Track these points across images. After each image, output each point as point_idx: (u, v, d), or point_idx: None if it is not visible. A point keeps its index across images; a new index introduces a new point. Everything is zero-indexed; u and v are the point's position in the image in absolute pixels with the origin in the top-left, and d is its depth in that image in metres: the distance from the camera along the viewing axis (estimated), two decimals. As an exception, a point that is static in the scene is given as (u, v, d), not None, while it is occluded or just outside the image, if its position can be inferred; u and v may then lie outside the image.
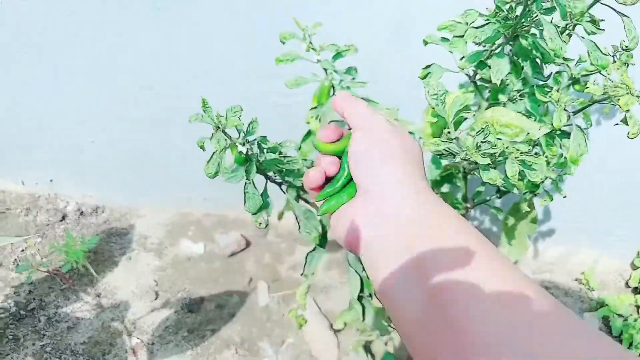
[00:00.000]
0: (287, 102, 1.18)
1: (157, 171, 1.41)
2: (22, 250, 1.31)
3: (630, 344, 1.23)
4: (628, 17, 0.61)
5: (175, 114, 1.27)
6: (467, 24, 0.70)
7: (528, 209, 1.00)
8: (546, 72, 0.74)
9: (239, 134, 0.58)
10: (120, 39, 1.16)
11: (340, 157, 0.48)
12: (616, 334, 1.26)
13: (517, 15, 0.67)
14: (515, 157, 0.60)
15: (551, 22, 0.64)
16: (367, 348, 1.19)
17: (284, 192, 0.74)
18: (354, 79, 0.78)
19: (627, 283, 1.41)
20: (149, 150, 1.36)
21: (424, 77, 0.74)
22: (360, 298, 0.87)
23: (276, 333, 1.24)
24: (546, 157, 0.71)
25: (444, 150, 0.63)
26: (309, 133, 0.84)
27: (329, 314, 1.30)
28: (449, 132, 0.62)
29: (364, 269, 0.83)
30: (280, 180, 0.72)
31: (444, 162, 0.95)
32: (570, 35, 0.70)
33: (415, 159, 0.45)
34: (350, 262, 0.84)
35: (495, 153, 0.61)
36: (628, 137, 0.62)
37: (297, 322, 0.86)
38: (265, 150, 0.63)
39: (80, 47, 1.17)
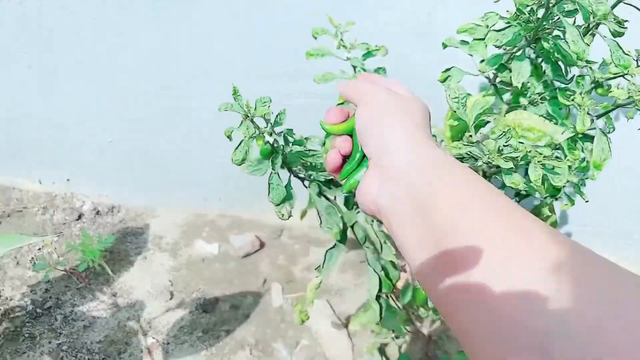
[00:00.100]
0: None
1: (172, 171, 1.42)
2: (39, 249, 1.32)
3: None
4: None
5: (192, 114, 1.28)
6: (487, 26, 0.70)
7: (549, 213, 0.99)
8: (568, 75, 0.74)
9: (267, 124, 0.58)
10: (140, 37, 1.16)
11: (351, 136, 0.50)
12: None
13: (538, 18, 0.66)
14: (538, 161, 0.59)
15: (573, 23, 0.64)
16: (382, 350, 1.18)
17: (306, 187, 0.74)
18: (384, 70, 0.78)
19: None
20: (164, 151, 1.37)
21: (444, 80, 0.73)
22: (378, 298, 0.87)
23: (290, 334, 1.23)
24: (568, 161, 0.70)
25: (466, 153, 0.62)
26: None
27: (343, 316, 1.29)
28: (470, 136, 0.61)
29: (382, 269, 0.83)
30: (303, 176, 0.72)
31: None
32: (593, 36, 0.70)
33: (417, 118, 0.46)
34: (369, 261, 0.84)
35: (517, 157, 0.60)
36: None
37: (300, 316, 0.85)
38: (290, 143, 0.63)
39: (95, 46, 1.18)
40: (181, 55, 1.19)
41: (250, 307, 1.28)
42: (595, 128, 0.67)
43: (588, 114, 0.65)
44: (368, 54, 0.82)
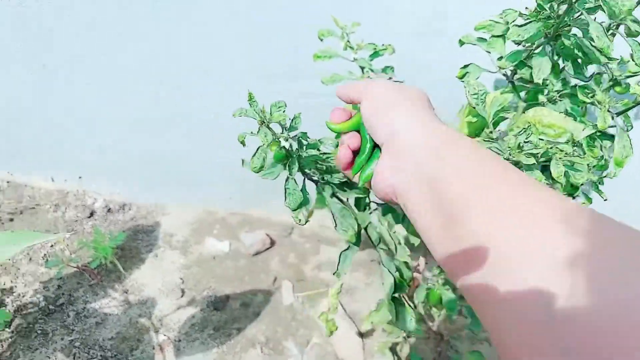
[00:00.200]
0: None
1: (183, 169, 1.42)
2: (52, 246, 1.32)
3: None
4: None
5: (202, 113, 1.28)
6: (507, 23, 0.69)
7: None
8: (585, 73, 0.73)
9: (282, 129, 0.58)
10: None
11: (358, 132, 0.52)
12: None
13: (559, 15, 0.66)
14: (560, 158, 0.59)
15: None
16: (394, 350, 1.18)
17: (321, 190, 0.73)
18: (390, 78, 0.78)
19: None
20: (175, 149, 1.37)
21: (462, 77, 0.73)
22: (393, 298, 0.86)
23: (301, 333, 1.23)
24: (588, 158, 0.70)
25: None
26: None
27: (354, 315, 1.29)
28: (490, 132, 0.61)
29: (397, 269, 0.83)
30: (317, 178, 0.72)
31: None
32: (613, 35, 0.69)
33: (419, 101, 0.48)
34: (383, 262, 0.84)
35: (537, 153, 0.60)
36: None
37: (328, 327, 0.85)
38: (305, 147, 0.63)
39: (106, 48, 1.18)
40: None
41: (261, 305, 1.28)
42: (615, 125, 0.67)
43: (608, 111, 0.65)
44: (375, 54, 0.81)
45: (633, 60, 0.64)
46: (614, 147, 0.70)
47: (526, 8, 0.71)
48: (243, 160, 0.61)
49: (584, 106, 0.79)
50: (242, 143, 0.58)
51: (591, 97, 0.70)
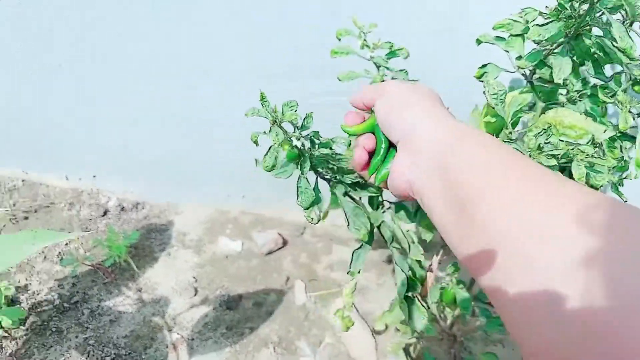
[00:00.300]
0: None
1: (196, 168, 1.43)
2: (66, 244, 1.33)
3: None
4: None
5: (216, 113, 1.28)
6: (527, 22, 0.68)
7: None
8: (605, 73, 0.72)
9: (294, 128, 0.58)
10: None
11: (373, 133, 0.54)
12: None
13: (580, 14, 0.65)
14: (581, 159, 0.58)
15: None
16: (407, 351, 1.17)
17: (332, 189, 0.73)
18: (404, 77, 0.77)
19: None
20: (189, 148, 1.38)
21: (480, 77, 0.73)
22: (405, 297, 0.86)
23: (313, 333, 1.23)
24: (609, 159, 0.69)
25: (504, 151, 0.61)
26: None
27: (366, 316, 1.29)
28: (510, 133, 0.60)
29: (410, 268, 0.82)
30: (329, 177, 0.72)
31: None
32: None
33: (431, 99, 0.49)
34: (396, 261, 0.83)
35: (558, 155, 0.59)
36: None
37: (344, 323, 0.85)
38: (317, 146, 0.63)
39: (122, 46, 1.19)
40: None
41: (274, 304, 1.28)
42: (636, 126, 0.66)
43: (629, 112, 0.64)
44: (392, 54, 0.81)
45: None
46: (634, 148, 0.69)
47: (546, 7, 0.70)
48: (256, 160, 0.62)
49: (604, 106, 0.78)
50: (255, 142, 0.58)
51: (612, 97, 0.69)
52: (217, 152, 1.38)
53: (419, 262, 0.84)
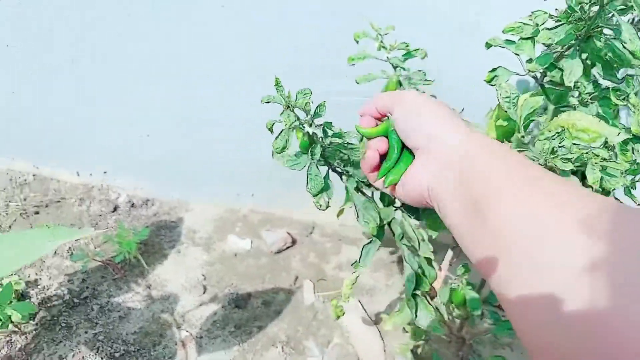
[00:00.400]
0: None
1: (206, 166, 1.43)
2: (77, 240, 1.34)
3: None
4: None
5: (230, 112, 1.28)
6: (537, 25, 0.68)
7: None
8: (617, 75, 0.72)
9: (307, 115, 0.59)
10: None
11: (386, 137, 0.55)
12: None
13: (590, 16, 0.64)
14: (595, 163, 0.58)
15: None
16: (415, 352, 1.17)
17: (345, 182, 0.73)
18: (421, 78, 0.77)
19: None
20: (198, 146, 1.38)
21: (490, 80, 0.72)
22: (414, 295, 0.86)
23: (322, 333, 1.23)
24: (622, 162, 0.68)
25: (520, 154, 0.61)
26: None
27: (374, 316, 1.28)
28: (522, 137, 0.60)
29: (419, 266, 0.82)
30: (341, 171, 0.72)
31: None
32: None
33: (448, 109, 0.50)
34: (405, 258, 0.83)
35: (572, 158, 0.59)
36: None
37: (335, 312, 0.85)
38: (329, 136, 0.63)
39: (135, 41, 1.19)
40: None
41: (282, 304, 1.28)
42: (652, 130, 0.65)
43: (645, 115, 0.64)
44: (408, 54, 0.81)
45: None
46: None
47: (556, 9, 0.69)
48: (273, 152, 0.62)
49: (616, 109, 0.78)
50: (270, 130, 0.59)
51: (624, 100, 0.68)
52: (226, 151, 1.38)
53: (428, 260, 0.84)
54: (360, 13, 1.03)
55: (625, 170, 0.71)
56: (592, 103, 0.73)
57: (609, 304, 0.29)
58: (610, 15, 0.63)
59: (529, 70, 0.71)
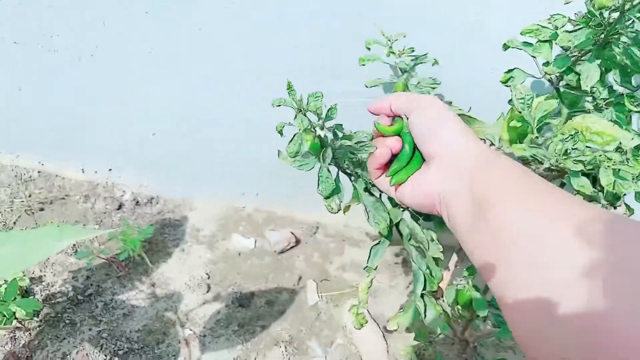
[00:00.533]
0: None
1: (210, 165, 1.43)
2: (81, 237, 1.34)
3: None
4: None
5: (234, 107, 1.28)
6: (556, 28, 0.68)
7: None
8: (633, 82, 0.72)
9: (318, 118, 0.59)
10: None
11: (399, 137, 0.56)
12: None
13: (610, 22, 0.64)
14: (608, 166, 0.58)
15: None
16: (419, 354, 1.17)
17: (354, 182, 0.73)
18: (429, 83, 0.77)
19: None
20: (203, 145, 1.38)
21: (506, 82, 0.72)
22: (422, 296, 0.86)
23: (325, 333, 1.23)
24: (635, 167, 0.68)
25: (530, 156, 0.61)
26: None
27: (377, 317, 1.28)
28: (536, 137, 0.60)
29: (427, 267, 0.82)
30: (351, 172, 0.72)
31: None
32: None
33: (460, 120, 0.52)
34: (413, 259, 0.83)
35: (584, 161, 0.59)
36: None
37: (358, 320, 0.85)
38: (339, 138, 0.64)
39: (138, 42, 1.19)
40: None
41: (286, 303, 1.28)
42: (663, 135, 0.65)
43: (658, 120, 0.63)
44: (417, 61, 0.82)
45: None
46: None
47: (575, 14, 0.69)
48: (279, 152, 0.63)
49: (629, 115, 0.77)
50: (280, 133, 0.60)
51: (638, 106, 0.68)
52: (226, 151, 1.38)
53: (436, 260, 0.84)
54: (360, 13, 1.03)
55: (637, 176, 0.71)
56: (606, 108, 0.73)
57: (610, 301, 0.30)
58: (629, 22, 0.63)
59: (546, 73, 0.71)
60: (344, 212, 1.03)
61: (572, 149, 0.59)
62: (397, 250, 1.43)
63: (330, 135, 0.63)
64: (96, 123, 1.37)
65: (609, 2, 0.59)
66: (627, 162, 0.69)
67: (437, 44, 0.99)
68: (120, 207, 1.44)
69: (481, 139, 0.53)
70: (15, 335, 1.12)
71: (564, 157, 0.58)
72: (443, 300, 1.06)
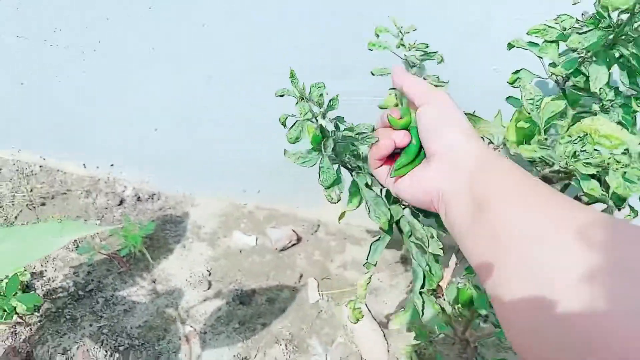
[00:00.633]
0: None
1: (212, 162, 1.42)
2: (82, 232, 1.33)
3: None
4: None
5: (234, 106, 1.28)
6: (564, 29, 0.68)
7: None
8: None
9: (320, 108, 0.60)
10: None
11: (408, 131, 0.56)
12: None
13: (619, 24, 0.64)
14: (616, 169, 0.57)
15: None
16: (419, 353, 1.17)
17: (355, 178, 0.73)
18: (434, 81, 0.77)
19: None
20: (205, 141, 1.37)
21: (513, 82, 0.72)
22: (421, 293, 0.86)
23: (325, 331, 1.23)
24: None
25: (539, 157, 0.61)
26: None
27: (377, 316, 1.28)
28: (545, 139, 0.60)
29: (427, 264, 0.82)
30: (352, 167, 0.72)
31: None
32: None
33: (466, 119, 0.52)
34: (413, 256, 0.83)
35: (593, 163, 0.59)
36: None
37: (354, 315, 0.85)
38: (341, 130, 0.64)
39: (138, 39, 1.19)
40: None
41: (286, 301, 1.28)
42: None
43: (665, 123, 0.63)
44: (426, 55, 0.81)
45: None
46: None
47: (582, 15, 0.69)
48: (285, 151, 0.63)
49: (634, 117, 0.77)
50: (283, 124, 0.61)
51: (645, 107, 0.68)
52: (231, 150, 1.37)
53: (436, 257, 0.84)
54: (360, 13, 1.03)
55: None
56: (612, 110, 0.73)
57: (610, 302, 0.30)
58: (638, 24, 0.62)
59: (552, 74, 0.71)
60: (339, 219, 1.04)
61: (581, 151, 0.58)
62: (397, 249, 1.43)
63: (331, 127, 0.64)
64: (98, 119, 1.37)
65: (624, 5, 0.58)
66: (635, 164, 0.69)
67: (437, 43, 0.99)
68: (121, 202, 1.44)
69: (481, 138, 0.52)
70: (15, 330, 1.12)
71: (573, 159, 0.58)
72: (444, 299, 1.06)
